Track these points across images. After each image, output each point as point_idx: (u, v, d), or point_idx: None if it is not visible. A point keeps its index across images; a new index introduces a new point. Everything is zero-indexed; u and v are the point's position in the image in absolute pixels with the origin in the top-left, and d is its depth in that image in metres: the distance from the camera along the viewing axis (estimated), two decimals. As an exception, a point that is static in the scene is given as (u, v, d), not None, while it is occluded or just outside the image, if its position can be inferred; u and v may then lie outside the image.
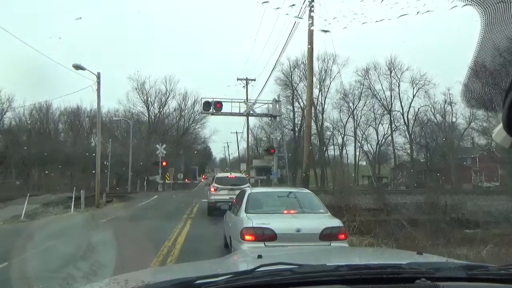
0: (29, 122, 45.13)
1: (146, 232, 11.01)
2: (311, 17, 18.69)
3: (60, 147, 41.03)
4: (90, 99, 46.19)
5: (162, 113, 51.24)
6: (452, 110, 44.29)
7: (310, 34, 18.95)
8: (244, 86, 39.93)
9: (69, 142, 45.93)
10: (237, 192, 11.21)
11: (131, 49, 72.17)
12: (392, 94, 47.15)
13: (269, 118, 26.22)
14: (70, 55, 40.98)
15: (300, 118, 46.55)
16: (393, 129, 46.95)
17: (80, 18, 62.84)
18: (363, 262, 1.92)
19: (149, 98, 50.29)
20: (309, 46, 17.11)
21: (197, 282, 1.44)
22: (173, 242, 9.70)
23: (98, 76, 21.89)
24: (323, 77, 47.30)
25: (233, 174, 16.76)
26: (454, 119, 44.27)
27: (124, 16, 72.27)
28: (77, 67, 20.45)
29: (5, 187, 23.05)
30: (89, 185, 21.45)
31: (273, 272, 1.50)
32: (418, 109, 45.89)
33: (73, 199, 18.96)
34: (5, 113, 45.28)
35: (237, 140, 46.60)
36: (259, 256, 2.01)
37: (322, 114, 47.78)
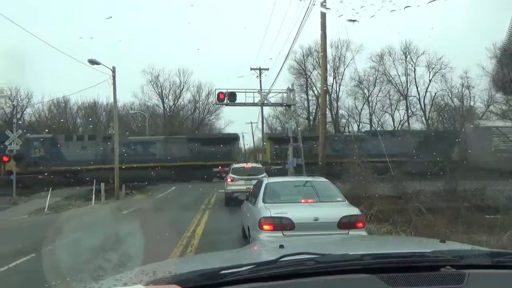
0: (48, 117, 46.14)
1: (166, 223, 11.22)
2: (324, 3, 18.48)
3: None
4: (106, 93, 46.78)
5: (177, 105, 51.54)
6: (470, 93, 43.34)
7: (323, 21, 18.73)
8: (257, 76, 39.83)
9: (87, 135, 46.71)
10: (253, 182, 11.29)
11: (144, 42, 72.41)
12: (408, 79, 46.24)
13: (284, 108, 26.13)
14: (86, 50, 41.43)
15: (315, 107, 46.23)
16: (409, 115, 46.26)
17: (111, 17, 63.11)
18: (386, 251, 1.89)
19: (164, 91, 50.59)
20: (321, 32, 16.89)
21: (222, 272, 1.47)
22: (192, 233, 9.87)
23: (113, 70, 22.11)
24: (337, 64, 46.65)
25: (249, 164, 16.85)
26: (472, 103, 43.35)
27: (137, 10, 72.49)
28: (93, 62, 20.68)
29: (28, 181, 23.66)
30: (109, 177, 21.85)
31: (297, 262, 1.51)
32: (435, 93, 45.01)
33: (93, 192, 19.42)
34: (25, 109, 46.42)
35: (252, 130, 46.68)
36: (281, 246, 2.02)
37: (337, 101, 47.31)
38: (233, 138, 32.02)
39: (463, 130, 34.18)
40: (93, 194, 19.30)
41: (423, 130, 40.72)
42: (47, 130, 37.03)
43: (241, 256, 2.35)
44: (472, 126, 28.37)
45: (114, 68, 22.14)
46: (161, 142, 30.58)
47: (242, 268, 1.49)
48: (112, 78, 22.10)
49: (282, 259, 1.53)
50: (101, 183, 19.61)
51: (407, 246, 2.31)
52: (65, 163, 27.40)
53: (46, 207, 16.65)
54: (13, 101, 45.05)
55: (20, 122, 36.47)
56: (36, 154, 27.86)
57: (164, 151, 29.46)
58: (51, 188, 19.05)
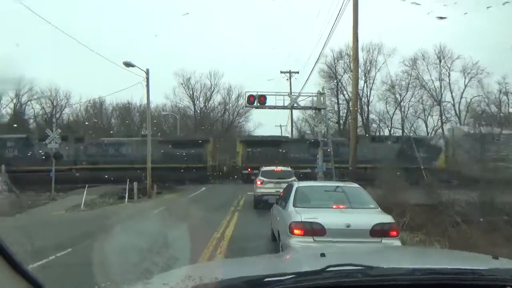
0: (85, 117, 47.98)
1: (196, 223, 11.38)
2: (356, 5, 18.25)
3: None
4: (140, 95, 48.03)
5: (207, 107, 52.31)
6: (508, 100, 41.55)
7: (355, 24, 18.51)
8: (287, 79, 39.86)
9: (120, 136, 48.29)
10: (283, 185, 11.29)
11: (176, 44, 73.85)
12: (442, 85, 44.85)
13: (313, 111, 25.99)
14: (120, 52, 42.70)
15: (345, 111, 45.66)
16: (443, 121, 44.82)
17: (188, 13, 63.86)
18: (436, 266, 1.77)
19: (195, 93, 51.42)
20: (354, 42, 16.69)
21: (266, 280, 1.46)
22: (221, 234, 9.96)
23: (147, 73, 22.67)
24: (368, 68, 45.83)
25: (279, 168, 16.80)
26: (511, 110, 41.50)
27: (170, 15, 74.16)
28: (127, 64, 21.30)
29: (66, 178, 24.69)
30: (141, 177, 22.47)
31: (343, 273, 1.47)
32: (471, 99, 43.43)
33: (127, 191, 20.01)
34: (63, 110, 48.51)
35: (281, 133, 46.43)
36: (322, 255, 1.94)
37: (368, 106, 46.48)
38: (205, 141, 32.14)
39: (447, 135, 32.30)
40: (126, 193, 19.90)
41: (404, 136, 39.19)
42: (91, 133, 38.19)
43: (283, 263, 2.32)
44: (462, 131, 27.11)
45: (148, 70, 22.72)
46: (134, 143, 30.80)
47: (286, 276, 1.48)
48: (145, 80, 22.69)
49: (328, 270, 1.49)
50: (134, 183, 20.20)
51: (458, 261, 2.14)
52: (37, 163, 27.30)
53: (82, 204, 17.31)
54: (53, 102, 47.31)
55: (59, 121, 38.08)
56: (10, 154, 28.16)
57: (137, 152, 29.63)
58: (87, 186, 19.82)
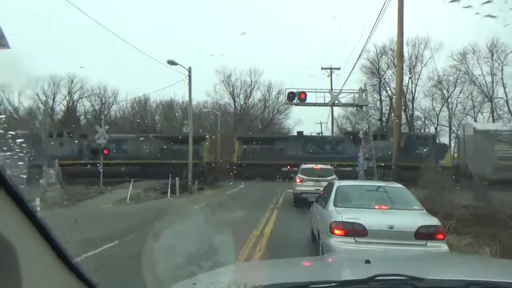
0: (131, 114, 50.04)
1: (235, 220, 11.49)
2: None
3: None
4: (182, 92, 49.31)
5: (247, 104, 52.78)
6: None
7: (400, 18, 17.93)
8: (328, 76, 39.24)
9: (164, 133, 49.85)
10: (323, 183, 11.20)
11: (216, 41, 74.94)
12: (494, 80, 42.40)
13: (355, 108, 25.44)
14: (163, 50, 43.97)
15: (388, 107, 44.35)
16: (495, 118, 42.31)
17: (245, 33, 66.60)
18: (493, 279, 1.59)
19: (235, 90, 52.16)
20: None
21: (311, 287, 1.45)
22: (260, 232, 10.03)
23: (189, 71, 23.20)
24: (414, 63, 44.16)
25: (319, 165, 16.65)
26: None
27: (211, 15, 75.32)
28: (171, 62, 21.88)
29: (112, 173, 25.85)
30: (183, 173, 23.11)
31: (390, 284, 1.41)
32: (526, 95, 40.75)
33: (169, 186, 20.65)
34: (111, 106, 50.82)
35: (321, 131, 45.84)
36: (367, 261, 1.85)
37: (412, 102, 44.85)
38: (201, 138, 32.00)
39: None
40: (169, 188, 20.55)
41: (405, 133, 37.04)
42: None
43: (325, 268, 2.28)
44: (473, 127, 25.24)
45: (190, 68, 23.26)
46: (133, 140, 31.41)
47: (331, 284, 1.45)
48: (188, 78, 23.23)
49: (375, 279, 1.43)
50: (176, 178, 20.81)
51: None
52: (45, 158, 28.54)
53: (128, 198, 18.09)
54: (101, 99, 49.70)
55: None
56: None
57: (135, 148, 30.14)
58: (132, 180, 20.66)
